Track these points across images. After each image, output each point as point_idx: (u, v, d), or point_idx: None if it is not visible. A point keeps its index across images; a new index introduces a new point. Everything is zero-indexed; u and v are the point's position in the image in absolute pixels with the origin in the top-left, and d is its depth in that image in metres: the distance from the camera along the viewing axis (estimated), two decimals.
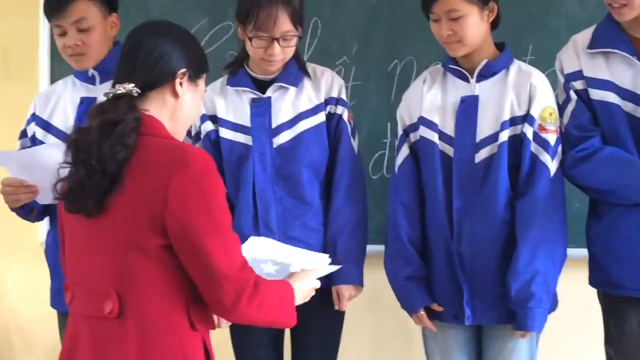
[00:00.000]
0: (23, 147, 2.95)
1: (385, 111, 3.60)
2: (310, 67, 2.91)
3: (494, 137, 2.70)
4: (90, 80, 2.95)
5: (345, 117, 2.86)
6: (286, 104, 2.84)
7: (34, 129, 2.97)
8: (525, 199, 2.68)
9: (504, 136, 2.69)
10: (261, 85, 2.86)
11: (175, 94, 2.09)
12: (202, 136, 2.89)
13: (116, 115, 1.99)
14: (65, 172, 2.05)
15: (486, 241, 2.70)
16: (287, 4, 2.75)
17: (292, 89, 2.85)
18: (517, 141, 2.70)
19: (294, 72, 2.86)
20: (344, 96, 2.88)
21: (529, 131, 2.69)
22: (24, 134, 3.01)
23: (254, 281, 2.01)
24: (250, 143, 2.83)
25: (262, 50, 2.78)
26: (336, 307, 2.81)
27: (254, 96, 2.84)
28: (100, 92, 2.61)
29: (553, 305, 2.75)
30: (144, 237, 1.98)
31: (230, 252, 2.00)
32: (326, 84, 2.87)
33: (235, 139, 2.85)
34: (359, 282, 2.84)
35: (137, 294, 2.00)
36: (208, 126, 2.89)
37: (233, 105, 2.87)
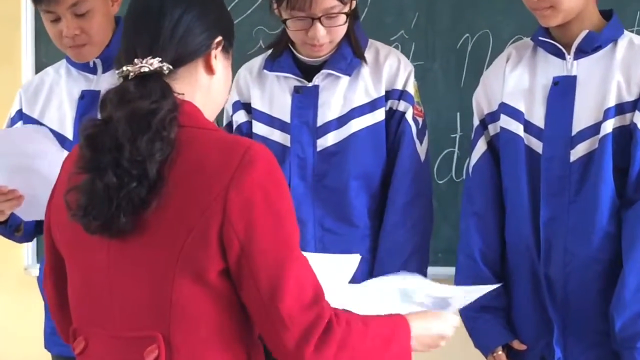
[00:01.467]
0: None
1: (454, 99, 3.42)
2: (372, 47, 2.69)
3: (595, 129, 2.48)
4: (91, 69, 2.73)
5: (409, 115, 2.65)
6: (336, 96, 2.63)
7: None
8: (634, 207, 2.45)
9: (608, 127, 2.46)
10: (309, 72, 2.65)
11: (211, 70, 1.86)
12: (233, 128, 2.73)
13: (150, 102, 1.76)
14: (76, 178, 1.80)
15: (583, 262, 2.48)
16: None
17: (345, 78, 2.63)
18: (626, 134, 2.47)
19: (348, 56, 2.64)
20: (410, 88, 2.66)
21: None
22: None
23: (329, 319, 1.75)
24: (288, 144, 2.63)
25: (302, 32, 2.55)
26: None
27: (298, 84, 2.65)
28: (105, 82, 2.58)
29: None
30: (198, 260, 1.73)
31: (301, 280, 1.76)
32: (389, 71, 2.65)
33: (270, 136, 2.65)
34: None
35: (188, 336, 1.76)
36: (241, 117, 2.71)
37: (271, 93, 2.68)
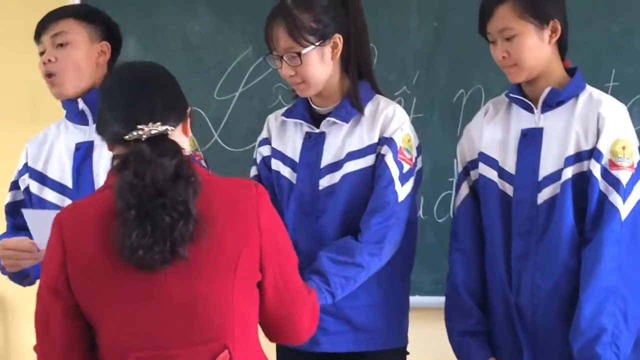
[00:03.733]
0: (14, 200, 2.82)
1: (451, 146, 3.33)
2: (376, 100, 2.71)
3: (557, 175, 2.56)
4: (83, 120, 2.76)
5: (388, 158, 2.63)
6: (337, 141, 2.68)
7: (27, 182, 2.82)
8: (590, 245, 2.51)
9: (568, 173, 2.54)
10: (319, 119, 2.72)
11: (187, 133, 2.09)
12: (258, 160, 2.80)
13: (169, 157, 1.95)
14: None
15: (548, 293, 2.55)
16: (285, 17, 2.58)
17: (345, 126, 2.68)
18: (584, 180, 2.54)
19: (348, 106, 2.68)
20: (397, 135, 2.65)
21: (595, 168, 2.52)
22: (15, 185, 2.86)
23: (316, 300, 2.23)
24: (294, 181, 2.71)
25: (280, 71, 2.66)
26: None
27: (309, 130, 2.72)
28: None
29: None
30: (250, 272, 2.01)
31: (299, 277, 2.18)
32: (383, 121, 2.67)
33: (282, 172, 2.74)
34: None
35: (243, 338, 2.01)
36: (265, 150, 2.79)
37: (287, 136, 2.77)
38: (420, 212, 3.49)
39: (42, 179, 2.78)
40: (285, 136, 2.76)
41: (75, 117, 2.77)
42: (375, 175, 2.64)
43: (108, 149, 2.06)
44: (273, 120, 2.80)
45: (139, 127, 1.96)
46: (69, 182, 2.72)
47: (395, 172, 2.64)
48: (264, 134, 2.81)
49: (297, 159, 2.71)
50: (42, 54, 2.73)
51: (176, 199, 1.92)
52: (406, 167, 2.66)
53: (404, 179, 2.66)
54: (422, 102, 3.61)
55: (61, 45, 2.70)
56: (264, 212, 2.04)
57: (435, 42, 3.63)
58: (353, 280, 2.57)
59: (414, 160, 2.69)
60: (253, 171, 2.81)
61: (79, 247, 1.99)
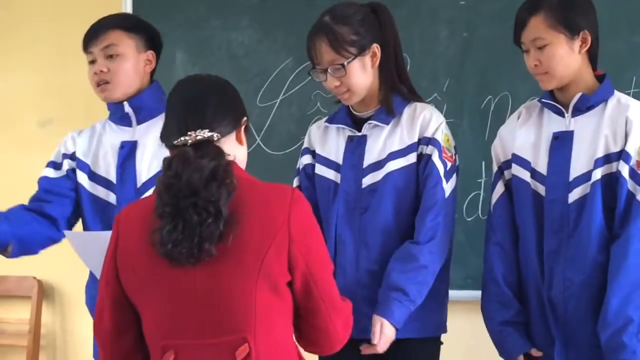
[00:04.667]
0: (48, 176, 2.89)
1: (480, 149, 3.56)
2: (413, 105, 2.79)
3: (587, 176, 2.62)
4: (126, 121, 2.88)
5: (435, 157, 2.73)
6: (379, 143, 2.76)
7: (71, 166, 2.90)
8: (618, 241, 2.57)
9: (597, 174, 2.61)
10: (361, 124, 2.80)
11: (241, 141, 2.16)
12: (300, 170, 2.89)
13: (209, 159, 2.02)
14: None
15: (578, 287, 2.61)
16: (326, 33, 2.68)
17: (387, 128, 2.76)
18: (614, 180, 2.60)
19: (385, 110, 2.77)
20: (439, 135, 2.74)
21: (624, 169, 2.59)
22: (54, 164, 2.92)
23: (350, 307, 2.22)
24: (339, 181, 2.78)
25: (325, 83, 2.74)
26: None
27: (351, 134, 2.80)
28: (139, 133, 2.83)
29: None
30: (274, 273, 2.03)
31: (334, 283, 2.18)
32: (422, 123, 2.76)
33: (326, 175, 2.81)
34: (397, 324, 2.66)
35: (267, 336, 2.03)
36: (306, 159, 2.88)
37: (330, 141, 2.84)
38: None
39: (91, 173, 2.86)
40: (328, 142, 2.84)
41: (120, 119, 2.88)
42: (423, 175, 2.72)
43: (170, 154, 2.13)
44: (315, 130, 2.88)
45: (189, 133, 2.06)
46: (113, 178, 2.82)
47: (441, 170, 2.73)
48: (305, 144, 2.90)
49: (340, 162, 2.78)
50: (91, 62, 2.83)
51: (208, 199, 1.98)
52: (449, 165, 2.76)
53: (448, 176, 2.75)
54: (452, 107, 3.66)
55: (111, 56, 2.81)
56: (296, 216, 2.06)
57: (464, 51, 3.69)
58: (425, 283, 2.66)
59: (454, 158, 2.79)
60: (295, 182, 2.89)
61: (127, 241, 2.09)
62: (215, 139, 2.06)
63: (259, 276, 2.01)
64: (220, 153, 2.04)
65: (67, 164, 2.91)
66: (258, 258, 2.02)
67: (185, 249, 1.99)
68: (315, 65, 2.71)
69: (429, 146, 2.74)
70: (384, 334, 2.61)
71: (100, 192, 2.84)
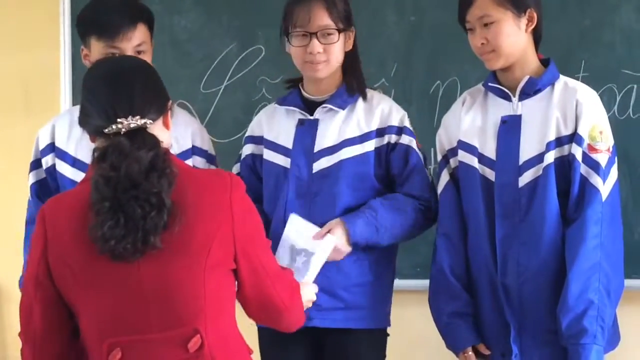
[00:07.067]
0: (39, 179, 2.82)
1: (429, 136, 3.36)
2: (369, 93, 2.81)
3: (538, 159, 2.62)
4: None
5: (414, 145, 2.77)
6: (332, 128, 2.75)
7: (53, 161, 2.82)
8: (574, 225, 2.57)
9: (550, 157, 2.61)
10: (312, 107, 2.79)
11: (167, 126, 2.10)
12: (241, 158, 2.88)
13: (147, 150, 1.97)
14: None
15: (533, 272, 2.60)
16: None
17: (342, 113, 2.76)
18: (566, 163, 2.61)
19: (344, 95, 2.77)
20: (408, 125, 2.79)
21: (577, 152, 2.59)
22: (37, 164, 2.85)
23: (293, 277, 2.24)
24: (289, 166, 2.76)
25: (302, 49, 2.71)
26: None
27: (302, 117, 2.78)
28: None
29: (612, 342, 2.63)
30: (222, 254, 2.02)
31: (274, 258, 2.21)
32: (382, 111, 2.77)
33: (274, 160, 2.79)
34: (353, 236, 2.67)
35: (216, 320, 2.02)
36: (247, 149, 2.87)
37: (279, 125, 2.82)
38: None
39: (73, 160, 2.78)
40: (276, 126, 2.81)
41: None
42: (401, 165, 2.75)
43: (90, 140, 2.07)
44: (263, 115, 2.87)
45: (119, 120, 1.98)
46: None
47: (421, 158, 2.80)
48: (248, 132, 2.88)
49: (290, 146, 2.76)
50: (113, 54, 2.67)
51: (150, 190, 1.94)
52: (422, 154, 2.83)
53: (425, 164, 2.83)
54: (400, 93, 3.63)
55: (139, 52, 2.70)
56: (237, 200, 2.05)
57: (412, 35, 3.67)
58: (399, 224, 2.71)
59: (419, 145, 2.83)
60: (235, 169, 2.87)
61: (58, 237, 2.01)
62: (148, 126, 2.01)
63: (207, 264, 2.00)
64: (157, 142, 2.00)
65: (44, 163, 2.83)
66: (205, 246, 2.00)
67: (129, 244, 1.94)
68: (298, 28, 2.70)
69: (403, 135, 2.77)
70: (335, 234, 2.63)
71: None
